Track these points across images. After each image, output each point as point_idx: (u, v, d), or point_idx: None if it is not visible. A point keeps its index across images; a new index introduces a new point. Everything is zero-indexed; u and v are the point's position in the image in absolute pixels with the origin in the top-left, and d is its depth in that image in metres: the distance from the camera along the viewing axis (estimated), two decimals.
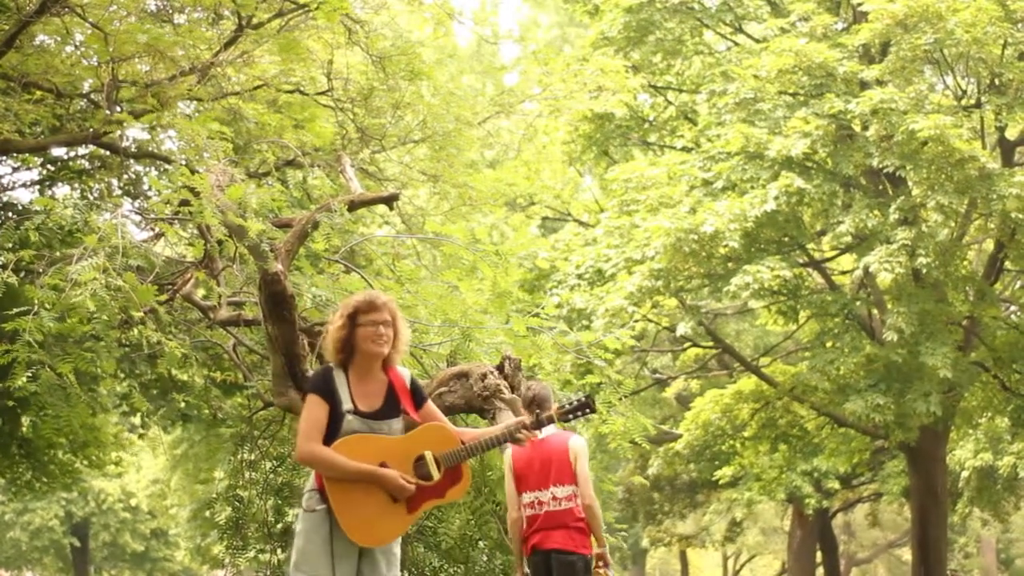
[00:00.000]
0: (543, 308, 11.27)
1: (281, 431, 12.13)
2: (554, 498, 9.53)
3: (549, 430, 9.38)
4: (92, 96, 16.13)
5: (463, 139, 19.78)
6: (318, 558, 7.30)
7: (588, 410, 7.90)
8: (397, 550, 7.61)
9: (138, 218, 11.80)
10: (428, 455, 7.46)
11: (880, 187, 25.64)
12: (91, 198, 17.83)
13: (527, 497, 9.56)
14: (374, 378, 7.55)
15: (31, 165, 19.90)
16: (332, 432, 7.36)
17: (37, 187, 20.65)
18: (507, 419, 9.33)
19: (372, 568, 7.49)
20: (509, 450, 9.56)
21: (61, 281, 9.25)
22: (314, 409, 7.37)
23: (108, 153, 17.61)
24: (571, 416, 7.92)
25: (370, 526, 7.35)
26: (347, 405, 7.40)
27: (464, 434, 7.67)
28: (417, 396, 7.66)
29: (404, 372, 7.68)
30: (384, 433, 7.45)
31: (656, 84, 28.35)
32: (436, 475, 7.44)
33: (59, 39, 15.44)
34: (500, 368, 9.76)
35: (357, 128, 17.48)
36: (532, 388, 9.70)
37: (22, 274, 9.49)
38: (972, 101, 24.66)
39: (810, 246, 27.31)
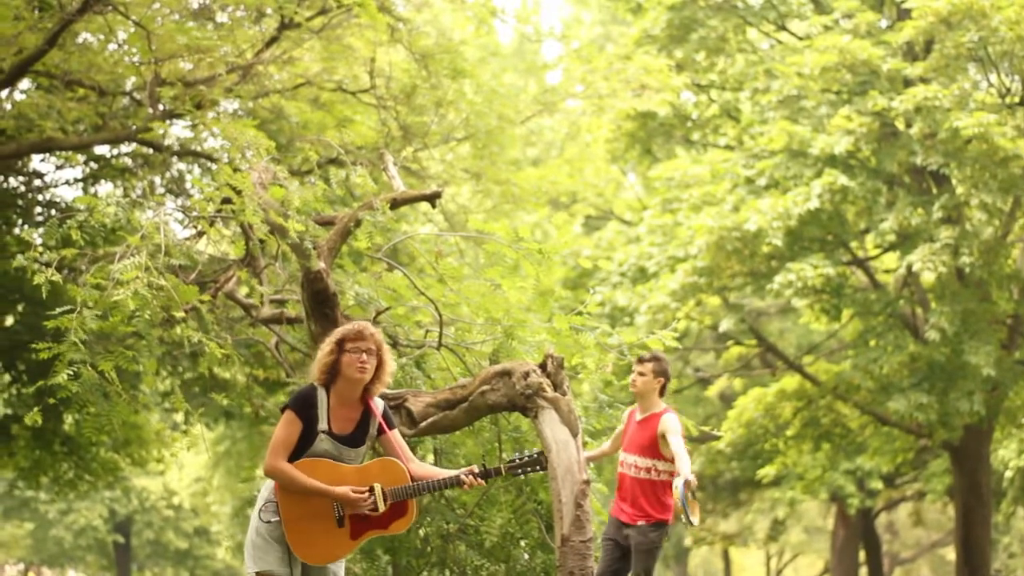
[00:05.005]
0: (586, 306, 11.20)
1: None
2: None
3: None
4: (135, 94, 16.20)
5: (506, 137, 19.79)
6: (271, 555, 7.81)
7: (538, 467, 8.30)
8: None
9: (181, 216, 11.80)
10: (377, 488, 7.86)
11: (924, 185, 25.47)
12: (134, 196, 17.87)
13: None
14: (352, 405, 7.98)
15: (74, 163, 20.00)
16: (303, 447, 7.82)
17: (80, 185, 20.76)
18: (550, 418, 9.34)
19: (320, 572, 7.98)
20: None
21: (103, 280, 9.27)
22: (287, 426, 7.82)
23: (151, 151, 17.68)
24: (519, 471, 8.31)
25: (312, 544, 7.85)
26: (323, 425, 7.85)
27: (419, 471, 8.04)
28: (388, 422, 8.10)
29: (380, 403, 8.12)
30: (349, 459, 7.91)
31: (699, 82, 28.22)
32: (382, 507, 7.84)
33: (102, 37, 15.49)
34: (543, 366, 9.71)
35: (400, 126, 17.50)
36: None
37: (65, 272, 9.51)
38: (1016, 99, 24.45)
39: (853, 244, 27.15)
